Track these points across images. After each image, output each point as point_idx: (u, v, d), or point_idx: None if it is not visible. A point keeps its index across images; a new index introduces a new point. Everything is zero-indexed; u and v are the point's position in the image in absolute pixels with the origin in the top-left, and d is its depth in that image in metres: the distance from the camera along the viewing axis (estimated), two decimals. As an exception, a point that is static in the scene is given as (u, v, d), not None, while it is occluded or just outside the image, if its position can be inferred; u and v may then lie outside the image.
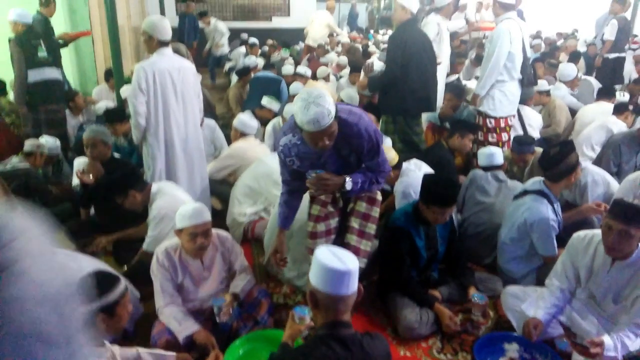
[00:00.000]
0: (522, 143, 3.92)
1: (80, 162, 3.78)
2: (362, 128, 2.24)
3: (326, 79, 7.03)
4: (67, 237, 3.15)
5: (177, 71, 3.24)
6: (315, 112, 2.03)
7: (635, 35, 11.41)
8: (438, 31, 4.82)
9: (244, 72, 6.56)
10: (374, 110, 4.42)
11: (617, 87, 6.39)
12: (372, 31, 14.05)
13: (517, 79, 4.21)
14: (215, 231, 2.56)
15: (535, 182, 3.00)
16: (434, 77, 4.47)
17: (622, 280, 2.31)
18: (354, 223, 2.57)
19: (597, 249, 2.36)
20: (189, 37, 9.82)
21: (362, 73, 6.25)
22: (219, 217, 3.63)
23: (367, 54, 8.76)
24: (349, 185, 2.30)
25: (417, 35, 4.33)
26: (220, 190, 3.89)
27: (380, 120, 4.65)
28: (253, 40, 9.22)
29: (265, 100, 4.92)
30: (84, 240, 3.18)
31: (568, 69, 6.01)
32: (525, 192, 3.00)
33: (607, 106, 4.85)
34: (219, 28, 9.31)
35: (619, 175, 3.63)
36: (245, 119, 4.14)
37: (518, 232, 2.93)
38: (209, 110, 5.63)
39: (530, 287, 2.74)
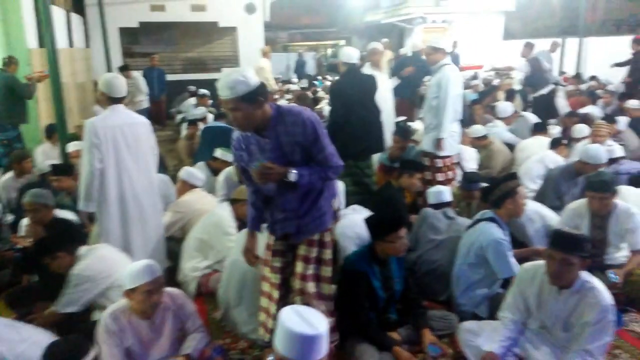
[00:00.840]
0: (471, 180, 4.05)
1: (24, 226, 3.63)
2: (306, 117, 2.22)
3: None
4: (6, 305, 2.99)
5: (128, 126, 3.23)
6: (231, 78, 2.06)
7: (565, 73, 12.33)
8: (379, 78, 5.01)
9: (191, 123, 6.53)
10: None
11: (552, 121, 6.81)
12: (320, 78, 14.45)
13: (459, 120, 4.43)
14: (165, 289, 2.48)
15: (486, 212, 3.12)
16: (378, 120, 4.61)
17: (569, 308, 2.39)
18: (302, 268, 2.45)
19: (544, 279, 2.44)
20: (156, 90, 9.78)
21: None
22: (168, 274, 3.53)
23: (316, 100, 8.98)
24: (293, 176, 2.21)
25: (358, 82, 4.49)
26: (168, 245, 3.78)
27: None
28: (203, 91, 9.27)
29: (219, 152, 4.88)
30: (26, 308, 3.00)
31: (504, 107, 6.37)
32: (477, 221, 3.10)
33: (544, 140, 5.15)
34: (139, 84, 9.10)
35: (561, 207, 3.78)
36: (191, 171, 4.11)
37: (474, 257, 3.00)
38: (160, 164, 5.57)
39: (484, 322, 2.78)
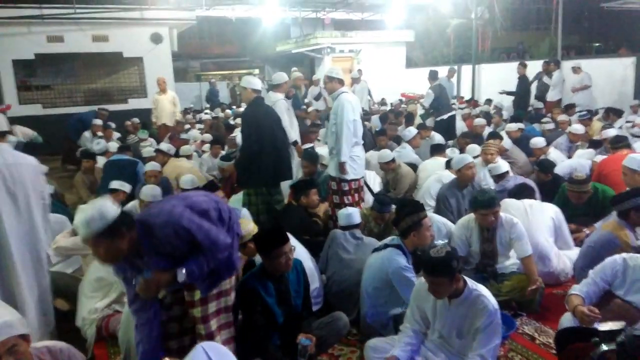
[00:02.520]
0: (383, 203, 4.17)
1: None
2: (173, 226, 2.17)
3: (189, 157, 6.99)
4: None
5: (8, 168, 2.92)
6: (86, 215, 2.03)
7: (462, 97, 13.32)
8: (288, 107, 5.12)
9: (86, 157, 6.24)
10: None
11: (450, 142, 7.30)
12: (234, 107, 14.43)
13: (361, 144, 4.61)
14: (44, 345, 2.22)
15: (394, 238, 3.25)
16: (287, 147, 4.72)
17: (460, 317, 2.53)
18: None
19: (436, 293, 2.59)
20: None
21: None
22: (68, 319, 3.30)
23: (230, 128, 8.95)
24: (181, 276, 2.20)
25: (266, 110, 4.58)
26: (67, 288, 3.53)
27: (243, 193, 4.72)
28: (96, 121, 8.83)
29: (116, 184, 4.68)
30: None
31: (407, 131, 6.73)
32: (385, 246, 3.22)
33: (441, 160, 5.51)
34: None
35: (454, 221, 4.04)
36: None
37: (380, 281, 3.11)
38: (58, 202, 5.21)
39: (389, 337, 2.87)
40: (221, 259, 2.35)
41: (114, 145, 7.25)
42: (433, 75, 8.83)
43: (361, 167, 4.65)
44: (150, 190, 4.37)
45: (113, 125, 9.54)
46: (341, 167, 4.43)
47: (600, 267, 2.70)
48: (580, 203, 4.26)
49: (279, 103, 5.05)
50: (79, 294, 3.34)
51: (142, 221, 2.18)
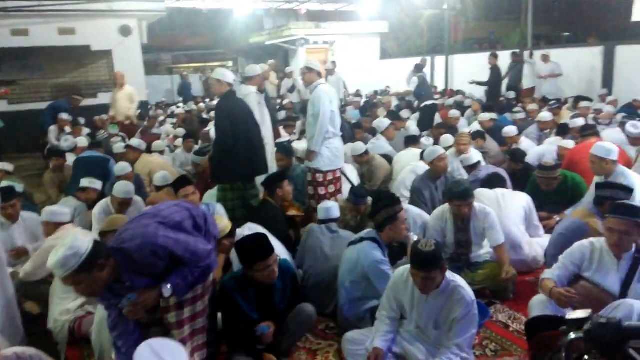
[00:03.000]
0: (358, 195, 4.16)
1: None
2: (150, 247, 2.14)
3: (161, 152, 6.87)
4: None
5: None
6: (59, 256, 1.98)
7: (436, 87, 13.44)
8: (259, 100, 5.05)
9: (54, 154, 6.07)
10: None
11: (424, 133, 7.35)
12: (207, 100, 14.23)
13: (339, 136, 4.61)
14: (13, 351, 2.13)
15: (370, 231, 3.25)
16: (261, 141, 4.67)
17: (438, 307, 2.57)
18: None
19: (414, 284, 2.60)
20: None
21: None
22: (40, 322, 3.23)
23: (204, 122, 8.82)
24: (167, 292, 2.18)
25: (239, 104, 4.51)
26: (38, 291, 3.44)
27: (217, 189, 4.65)
28: (62, 116, 8.55)
29: (86, 182, 4.55)
30: None
31: (379, 122, 6.74)
32: (361, 239, 3.22)
33: (416, 151, 5.54)
34: None
35: (429, 212, 4.07)
36: (51, 209, 3.72)
37: (356, 275, 3.11)
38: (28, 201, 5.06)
39: (366, 329, 2.89)
40: (204, 267, 2.33)
41: (83, 141, 7.03)
42: (419, 68, 9.12)
43: (338, 158, 4.64)
44: (123, 187, 4.28)
45: (82, 120, 9.30)
46: (310, 154, 4.43)
47: (569, 252, 2.78)
48: (550, 190, 4.35)
49: (250, 97, 4.98)
50: (50, 296, 3.26)
51: (117, 248, 2.14)
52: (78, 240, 2.01)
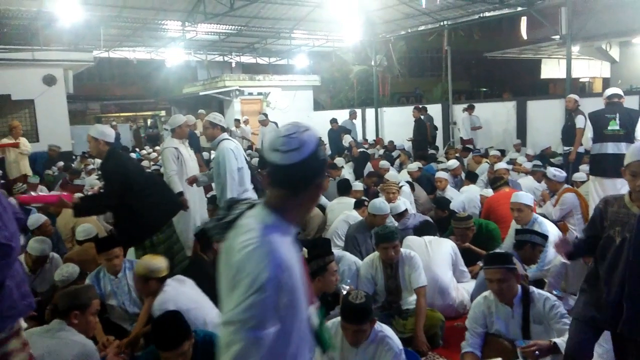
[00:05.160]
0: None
1: None
2: None
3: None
4: None
5: None
6: None
7: (366, 139, 13.95)
8: (177, 155, 4.80)
9: None
10: None
11: (357, 182, 7.52)
12: (137, 150, 13.86)
13: (250, 189, 4.43)
14: None
15: None
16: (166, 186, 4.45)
17: (368, 357, 2.55)
18: None
19: (343, 335, 2.57)
20: None
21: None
22: None
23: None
24: None
25: (127, 157, 4.39)
26: None
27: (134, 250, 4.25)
28: None
29: None
30: None
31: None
32: None
33: (348, 200, 5.63)
34: None
35: (362, 258, 4.12)
36: None
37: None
38: None
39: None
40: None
41: None
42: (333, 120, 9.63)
43: None
44: (38, 245, 3.98)
45: (-2, 172, 8.70)
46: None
47: (472, 316, 2.95)
48: (465, 242, 4.46)
49: (165, 152, 4.79)
50: None
51: None
52: None
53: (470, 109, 10.76)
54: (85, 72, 13.47)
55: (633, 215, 2.24)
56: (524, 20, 15.21)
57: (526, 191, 4.96)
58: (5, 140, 8.57)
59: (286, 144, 1.30)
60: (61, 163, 9.79)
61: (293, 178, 1.32)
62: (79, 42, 11.45)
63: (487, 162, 7.82)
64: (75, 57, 11.56)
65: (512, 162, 7.93)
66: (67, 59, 11.40)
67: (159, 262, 3.13)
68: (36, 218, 4.78)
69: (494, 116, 11.47)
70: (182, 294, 3.15)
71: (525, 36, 14.01)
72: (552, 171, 5.53)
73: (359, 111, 13.87)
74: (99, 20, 10.91)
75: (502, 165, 6.74)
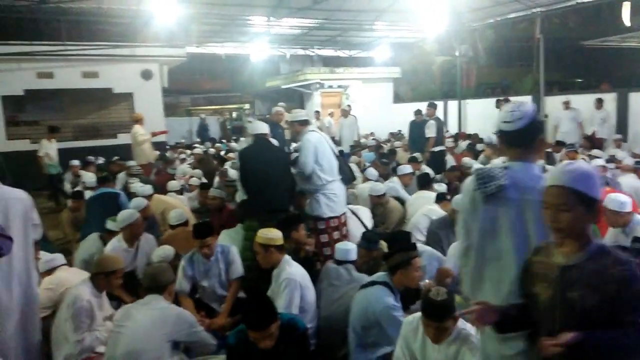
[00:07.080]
0: (370, 240, 4.04)
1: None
2: None
3: (178, 191, 6.91)
4: None
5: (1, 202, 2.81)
6: None
7: (447, 131, 13.53)
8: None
9: (74, 195, 6.19)
10: None
11: (438, 176, 7.34)
12: (224, 141, 14.51)
13: (338, 179, 4.49)
14: None
15: (381, 275, 3.19)
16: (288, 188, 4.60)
17: (450, 357, 2.50)
18: None
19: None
20: None
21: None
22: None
23: (222, 160, 8.97)
24: None
25: (267, 152, 4.52)
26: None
27: (243, 227, 4.58)
28: (73, 162, 8.88)
29: (111, 225, 4.51)
30: None
31: (403, 168, 6.70)
32: (372, 283, 3.17)
33: (429, 194, 5.52)
34: None
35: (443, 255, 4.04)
36: (45, 258, 3.72)
37: (367, 321, 3.04)
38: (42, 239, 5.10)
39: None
40: None
41: (91, 179, 6.88)
42: (433, 106, 8.95)
43: (339, 204, 4.52)
44: (122, 215, 4.30)
45: (101, 159, 9.53)
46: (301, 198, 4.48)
47: None
48: None
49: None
50: (53, 341, 3.18)
51: None
52: None
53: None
54: (178, 67, 14.28)
55: None
56: (626, 6, 13.92)
57: (627, 190, 4.57)
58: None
59: (512, 116, 1.87)
60: (157, 152, 10.46)
61: (523, 138, 1.89)
62: (173, 38, 12.17)
63: (583, 158, 7.28)
64: (170, 52, 12.29)
65: (611, 158, 7.32)
66: (163, 55, 12.15)
67: (276, 231, 3.36)
68: (139, 202, 5.08)
69: (592, 109, 10.63)
70: (303, 272, 3.45)
71: (627, 23, 12.81)
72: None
73: (440, 104, 13.48)
74: (191, 17, 11.52)
75: (599, 162, 6.26)
